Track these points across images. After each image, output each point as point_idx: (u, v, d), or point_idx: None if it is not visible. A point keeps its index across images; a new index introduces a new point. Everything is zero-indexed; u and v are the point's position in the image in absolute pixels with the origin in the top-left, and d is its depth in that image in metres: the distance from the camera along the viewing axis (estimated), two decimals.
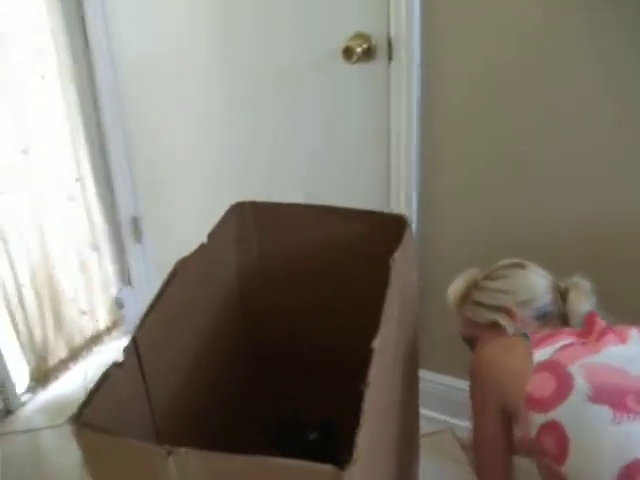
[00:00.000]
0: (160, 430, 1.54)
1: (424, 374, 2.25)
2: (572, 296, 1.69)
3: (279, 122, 2.34)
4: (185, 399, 1.65)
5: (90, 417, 1.25)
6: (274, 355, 2.06)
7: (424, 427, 2.25)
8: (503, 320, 1.68)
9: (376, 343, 1.31)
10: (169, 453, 1.15)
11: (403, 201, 2.15)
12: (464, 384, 2.23)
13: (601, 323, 1.57)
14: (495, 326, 1.70)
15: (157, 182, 2.77)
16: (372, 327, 1.34)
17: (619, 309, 1.54)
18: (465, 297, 1.79)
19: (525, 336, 1.60)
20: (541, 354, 1.52)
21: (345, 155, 2.25)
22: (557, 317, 1.69)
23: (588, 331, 1.56)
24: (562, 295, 1.71)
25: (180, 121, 2.58)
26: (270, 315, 2.00)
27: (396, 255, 1.53)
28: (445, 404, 2.36)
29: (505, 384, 1.57)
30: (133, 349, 1.42)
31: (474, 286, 1.77)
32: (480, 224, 2.13)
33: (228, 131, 2.48)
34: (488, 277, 1.76)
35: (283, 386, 2.05)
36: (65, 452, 2.49)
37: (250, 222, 1.90)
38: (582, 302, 1.67)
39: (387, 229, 1.71)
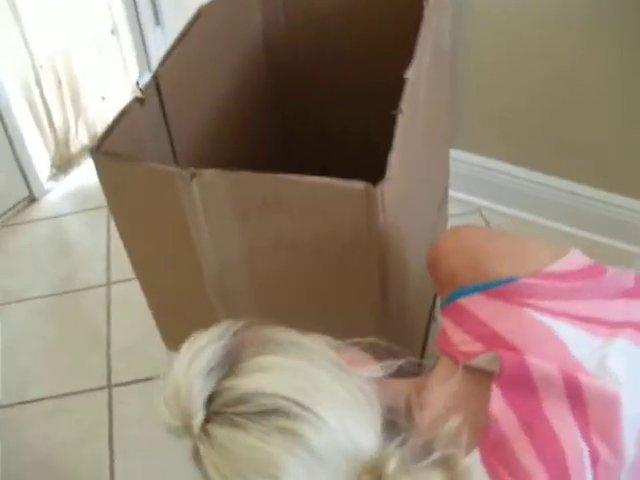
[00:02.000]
0: (181, 164, 1.49)
1: (452, 153, 2.19)
2: None
3: None
4: (206, 140, 1.59)
5: (110, 147, 1.20)
6: (300, 120, 1.97)
7: (452, 208, 2.22)
8: None
9: (409, 73, 1.25)
10: (193, 176, 1.11)
11: None
12: (494, 163, 2.20)
13: None
14: None
15: None
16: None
17: None
18: None
19: None
20: None
21: None
22: None
23: None
24: None
25: None
26: (294, 71, 1.90)
27: None
28: (474, 185, 2.30)
29: None
30: (154, 86, 1.35)
31: None
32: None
33: None
34: None
35: (311, 149, 1.98)
36: (90, 236, 2.50)
37: None
38: None
39: None
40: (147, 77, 2.79)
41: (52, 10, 2.48)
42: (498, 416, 0.87)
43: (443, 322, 1.02)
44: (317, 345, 0.85)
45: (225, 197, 1.12)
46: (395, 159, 1.09)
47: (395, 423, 0.83)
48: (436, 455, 0.80)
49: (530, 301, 0.93)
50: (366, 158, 1.40)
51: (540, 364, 0.88)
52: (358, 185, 1.04)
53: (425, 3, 1.42)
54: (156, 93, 1.35)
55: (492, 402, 0.88)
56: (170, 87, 1.38)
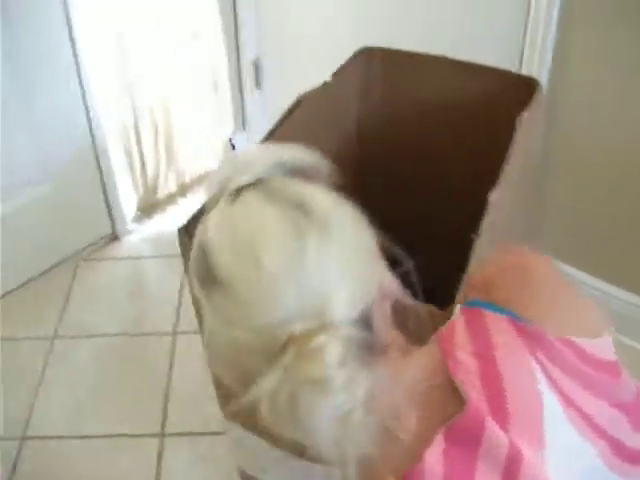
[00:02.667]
0: None
1: None
2: None
3: None
4: None
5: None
6: (383, 204, 2.00)
7: None
8: None
9: (493, 196, 1.27)
10: None
11: (536, 63, 2.03)
12: (584, 276, 2.19)
13: None
14: None
15: (283, 25, 2.72)
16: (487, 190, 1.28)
17: None
18: None
19: None
20: None
21: (475, 6, 2.14)
22: None
23: None
24: None
25: None
26: (385, 164, 1.94)
27: (524, 115, 1.47)
28: None
29: None
30: None
31: None
32: (622, 97, 1.96)
33: None
34: None
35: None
36: (165, 282, 2.57)
37: (376, 69, 1.84)
38: None
39: (516, 90, 1.63)
40: (241, 136, 2.91)
41: (158, 60, 2.58)
42: (426, 468, 0.85)
43: (456, 317, 0.99)
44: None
45: None
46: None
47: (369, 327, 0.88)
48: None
49: (547, 361, 0.90)
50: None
51: (496, 430, 0.86)
52: None
53: (518, 120, 1.45)
54: None
55: (430, 449, 0.86)
56: None
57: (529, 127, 1.52)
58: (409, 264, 0.94)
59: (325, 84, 1.67)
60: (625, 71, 1.91)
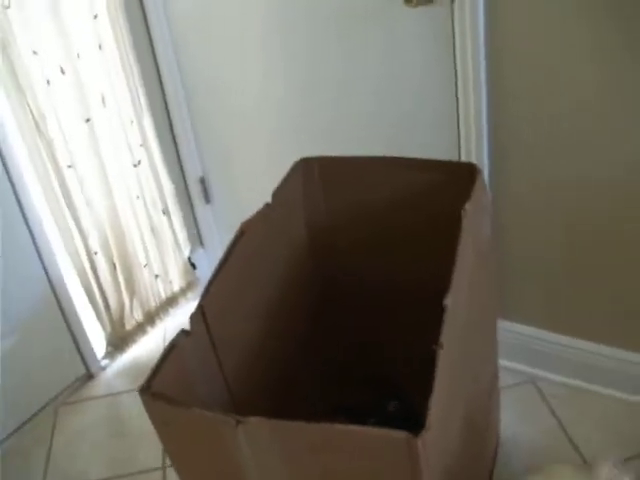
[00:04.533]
0: (234, 394, 1.53)
1: (504, 324, 2.20)
2: None
3: (340, 72, 2.27)
4: (255, 360, 1.63)
5: (159, 387, 1.24)
6: (345, 311, 2.01)
7: (505, 379, 2.20)
8: None
9: (448, 300, 1.27)
10: (238, 422, 1.13)
11: (474, 153, 2.07)
12: (545, 334, 2.21)
13: None
14: None
15: (222, 141, 2.74)
16: (444, 280, 1.29)
17: None
18: None
19: None
20: None
21: (410, 104, 2.16)
22: None
23: None
24: None
25: (243, 74, 2.53)
26: (340, 271, 1.95)
27: (468, 205, 1.47)
28: (526, 355, 2.30)
29: None
30: (200, 315, 1.40)
31: None
32: (557, 175, 2.01)
33: (288, 85, 2.42)
34: None
35: (353, 341, 2.01)
36: (146, 415, 2.51)
37: (316, 178, 1.85)
38: None
39: (457, 179, 1.64)
40: (199, 254, 2.90)
41: (104, 191, 2.57)
42: None
43: None
44: None
45: (271, 442, 1.14)
46: (435, 401, 1.10)
47: None
48: None
49: None
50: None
51: None
52: (399, 435, 1.05)
53: (463, 213, 1.45)
54: (202, 322, 1.40)
55: None
56: (216, 314, 1.42)
57: (475, 215, 1.52)
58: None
59: (267, 205, 1.67)
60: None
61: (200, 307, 1.40)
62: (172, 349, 1.30)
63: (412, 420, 1.12)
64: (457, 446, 1.38)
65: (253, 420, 1.12)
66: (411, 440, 1.05)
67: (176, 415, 1.22)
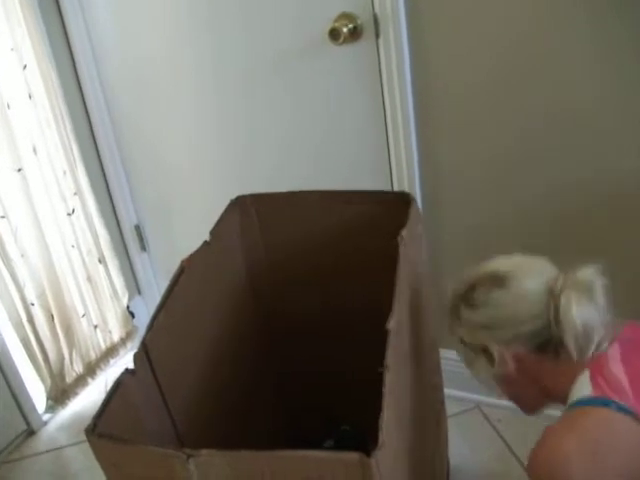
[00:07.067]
0: (180, 430, 1.51)
1: (447, 354, 2.21)
2: (562, 302, 1.30)
3: (273, 113, 2.30)
4: (201, 395, 1.62)
5: (105, 427, 1.22)
6: (287, 344, 2.02)
7: (451, 407, 2.22)
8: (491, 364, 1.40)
9: (391, 324, 1.28)
10: (189, 456, 1.12)
11: (406, 182, 2.11)
12: None
13: None
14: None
15: (156, 189, 2.75)
16: (385, 308, 1.30)
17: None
18: (455, 313, 1.46)
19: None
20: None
21: (343, 139, 2.21)
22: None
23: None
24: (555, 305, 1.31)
25: (174, 124, 2.54)
26: (281, 305, 1.96)
27: (404, 232, 1.49)
28: (471, 383, 2.31)
29: None
30: (144, 354, 1.39)
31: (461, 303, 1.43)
32: (488, 199, 2.07)
33: (223, 128, 2.44)
34: (467, 302, 1.40)
35: (301, 369, 2.01)
36: (91, 469, 2.46)
37: (252, 214, 1.87)
38: (572, 308, 1.28)
39: (392, 208, 1.67)
40: (138, 302, 2.87)
41: (38, 249, 2.54)
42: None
43: None
44: None
45: (223, 473, 1.13)
46: (386, 420, 1.11)
47: None
48: None
49: None
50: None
51: None
52: (352, 456, 1.05)
53: (400, 239, 1.47)
54: (146, 360, 1.39)
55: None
56: (159, 350, 1.41)
57: (411, 241, 1.55)
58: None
59: (205, 243, 1.67)
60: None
61: (143, 345, 1.39)
62: (117, 388, 1.29)
63: (363, 444, 1.12)
64: (408, 471, 1.38)
65: (204, 452, 1.11)
66: (364, 460, 1.05)
67: (125, 454, 1.20)
